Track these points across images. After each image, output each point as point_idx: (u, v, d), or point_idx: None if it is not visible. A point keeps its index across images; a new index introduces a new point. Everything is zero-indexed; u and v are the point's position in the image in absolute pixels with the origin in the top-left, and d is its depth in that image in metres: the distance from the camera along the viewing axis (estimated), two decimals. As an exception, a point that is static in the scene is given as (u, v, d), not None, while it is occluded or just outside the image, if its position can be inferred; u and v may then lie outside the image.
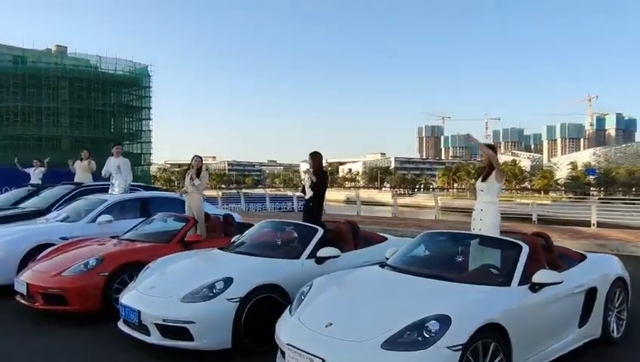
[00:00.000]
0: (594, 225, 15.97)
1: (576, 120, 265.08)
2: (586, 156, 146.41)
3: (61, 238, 7.20)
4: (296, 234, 5.91)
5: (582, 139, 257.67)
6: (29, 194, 10.80)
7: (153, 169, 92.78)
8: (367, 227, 10.91)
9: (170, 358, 4.45)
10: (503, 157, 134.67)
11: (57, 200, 9.66)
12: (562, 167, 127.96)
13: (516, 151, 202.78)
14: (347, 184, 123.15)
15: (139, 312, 4.58)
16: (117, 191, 9.60)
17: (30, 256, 6.75)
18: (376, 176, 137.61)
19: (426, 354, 3.20)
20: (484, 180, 5.51)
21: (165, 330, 4.42)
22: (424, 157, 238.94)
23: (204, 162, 8.17)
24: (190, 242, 6.58)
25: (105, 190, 9.84)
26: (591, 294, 4.67)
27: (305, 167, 7.52)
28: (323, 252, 5.27)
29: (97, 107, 61.51)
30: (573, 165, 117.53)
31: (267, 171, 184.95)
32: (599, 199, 31.35)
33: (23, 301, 5.90)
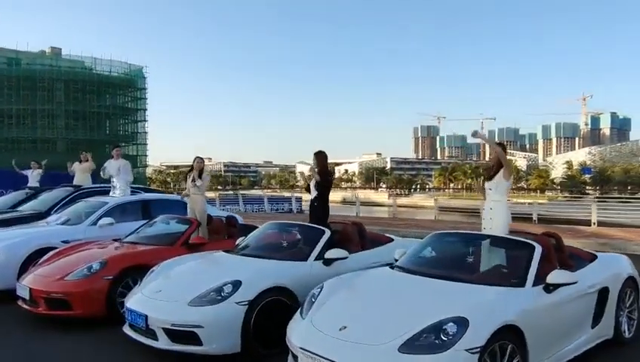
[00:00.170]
0: (594, 224, 15.98)
1: (571, 119, 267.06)
2: (581, 155, 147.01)
3: (62, 241, 7.07)
4: (302, 236, 5.84)
5: (577, 139, 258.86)
6: (27, 196, 10.70)
7: (149, 171, 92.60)
8: (368, 228, 10.76)
9: (177, 363, 4.37)
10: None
11: (57, 202, 9.55)
12: (558, 166, 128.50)
13: (512, 151, 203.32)
14: (343, 184, 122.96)
15: (146, 317, 4.50)
16: (118, 193, 9.51)
17: (31, 260, 6.65)
18: (372, 176, 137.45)
19: (444, 358, 3.14)
20: (491, 178, 5.45)
21: (174, 335, 4.34)
22: (420, 157, 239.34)
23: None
24: (194, 244, 6.49)
25: (104, 192, 9.74)
26: (603, 294, 4.62)
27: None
28: (331, 253, 5.20)
29: (93, 109, 61.43)
30: (569, 164, 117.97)
31: (263, 172, 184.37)
32: (595, 198, 31.43)
33: (25, 306, 5.78)
